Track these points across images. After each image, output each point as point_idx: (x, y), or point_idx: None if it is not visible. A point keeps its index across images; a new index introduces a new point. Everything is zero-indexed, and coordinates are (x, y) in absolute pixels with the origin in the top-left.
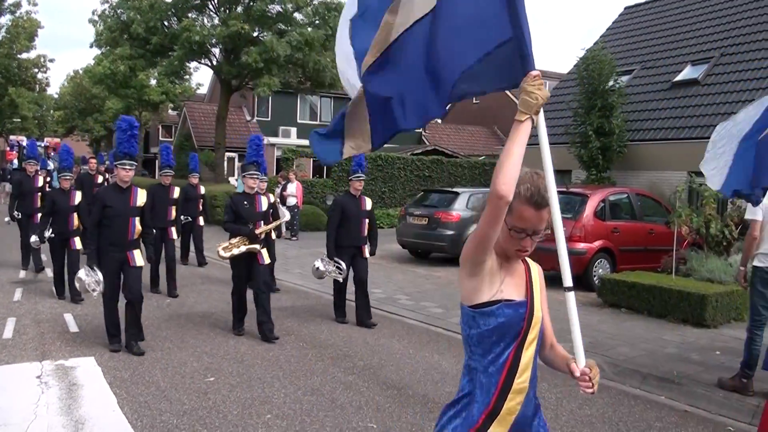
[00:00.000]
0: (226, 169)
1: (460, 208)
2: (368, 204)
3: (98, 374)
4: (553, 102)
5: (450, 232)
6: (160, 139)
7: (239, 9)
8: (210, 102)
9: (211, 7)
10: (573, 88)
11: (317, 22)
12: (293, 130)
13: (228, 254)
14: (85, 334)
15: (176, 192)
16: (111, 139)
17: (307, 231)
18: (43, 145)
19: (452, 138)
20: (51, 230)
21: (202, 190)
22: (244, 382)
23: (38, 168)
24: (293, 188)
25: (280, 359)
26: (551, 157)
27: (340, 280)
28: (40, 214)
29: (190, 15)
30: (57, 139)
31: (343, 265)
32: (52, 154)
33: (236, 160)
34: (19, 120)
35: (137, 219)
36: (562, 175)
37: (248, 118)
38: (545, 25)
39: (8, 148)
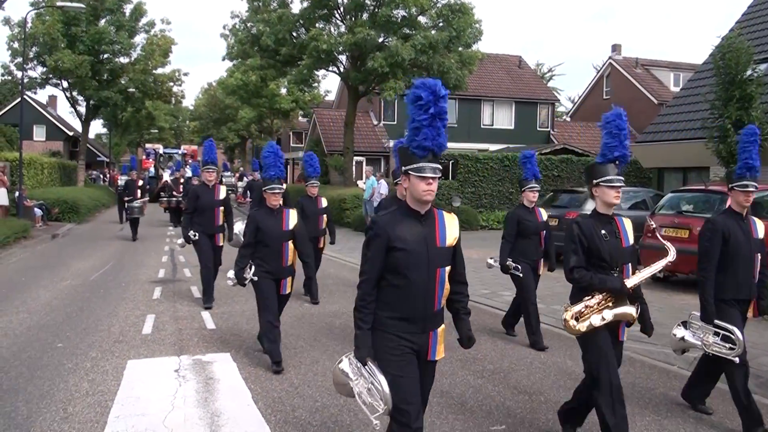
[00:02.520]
0: (354, 172)
1: (592, 209)
2: (761, 230)
3: (234, 370)
4: (688, 95)
5: None
6: (291, 145)
7: (365, 16)
8: (338, 108)
9: (337, 16)
10: (709, 80)
11: (441, 24)
12: None
13: (585, 325)
14: (221, 331)
15: (323, 202)
16: (245, 146)
17: None
18: (180, 152)
19: (582, 136)
20: (253, 269)
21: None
22: None
23: (216, 176)
24: None
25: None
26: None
27: (736, 359)
28: (224, 236)
29: (317, 25)
30: (194, 147)
31: (738, 334)
32: (190, 161)
33: (364, 163)
34: (156, 131)
35: (447, 270)
36: (699, 172)
37: (375, 122)
38: (678, 15)
39: (145, 156)
